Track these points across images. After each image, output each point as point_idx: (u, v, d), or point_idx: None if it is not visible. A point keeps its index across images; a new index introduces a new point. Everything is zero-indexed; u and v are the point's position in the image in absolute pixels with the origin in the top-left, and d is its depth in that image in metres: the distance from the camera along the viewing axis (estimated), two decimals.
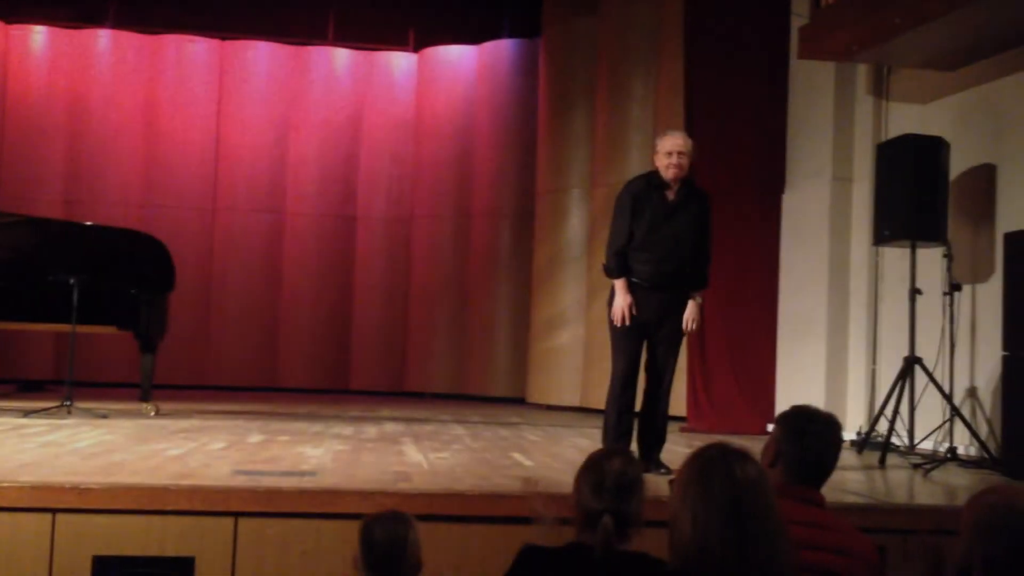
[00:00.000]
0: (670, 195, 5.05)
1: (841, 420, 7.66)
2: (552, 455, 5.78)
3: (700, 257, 5.15)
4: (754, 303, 7.94)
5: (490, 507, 3.87)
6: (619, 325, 5.00)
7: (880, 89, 7.42)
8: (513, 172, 11.90)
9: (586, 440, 6.70)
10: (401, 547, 2.53)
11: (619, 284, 5.04)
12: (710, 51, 8.22)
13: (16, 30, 12.21)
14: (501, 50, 12.28)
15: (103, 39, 12.43)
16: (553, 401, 10.45)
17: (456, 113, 12.46)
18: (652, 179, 5.10)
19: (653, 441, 5.08)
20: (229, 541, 3.70)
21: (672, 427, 8.06)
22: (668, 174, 5.03)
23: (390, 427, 7.35)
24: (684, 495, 1.90)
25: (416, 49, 12.92)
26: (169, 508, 3.70)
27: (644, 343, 5.09)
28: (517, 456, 5.55)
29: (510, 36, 12.24)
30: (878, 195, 6.52)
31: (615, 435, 5.00)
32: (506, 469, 4.86)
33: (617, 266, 5.06)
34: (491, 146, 12.12)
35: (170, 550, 3.66)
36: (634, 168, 9.68)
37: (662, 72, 9.35)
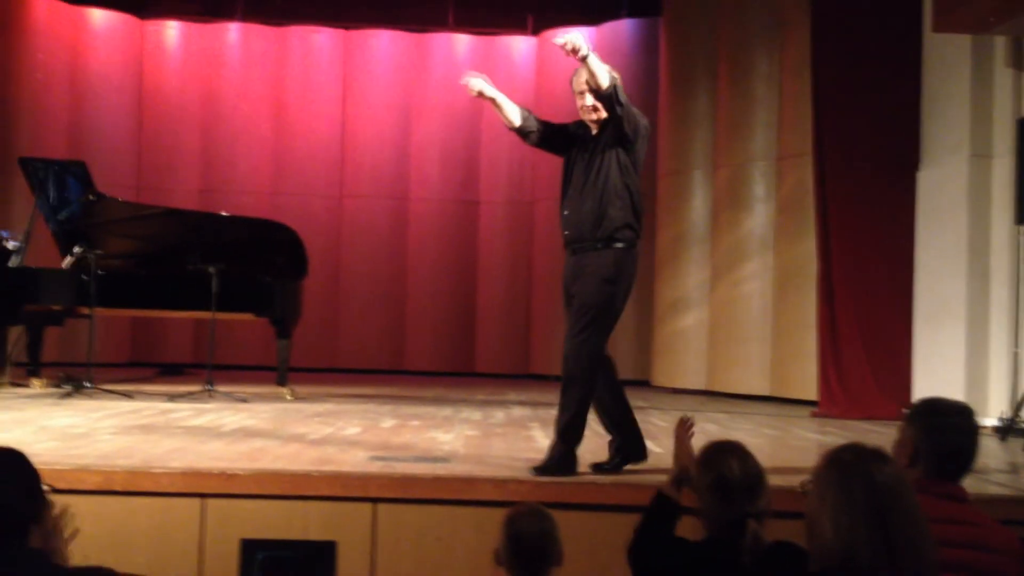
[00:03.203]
0: (591, 135, 4.46)
1: (983, 405, 7.42)
2: None
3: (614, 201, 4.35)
4: (888, 285, 7.70)
5: (622, 496, 3.88)
6: None
7: (1020, 62, 7.11)
8: None
9: (714, 426, 6.64)
10: (547, 542, 2.58)
11: None
12: (838, 24, 8.01)
13: (151, 26, 12.69)
14: (621, 30, 12.18)
15: (232, 32, 12.82)
16: (678, 384, 10.37)
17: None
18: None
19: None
20: (368, 526, 3.82)
21: (802, 411, 7.97)
22: (585, 119, 4.45)
23: (517, 411, 7.42)
24: (822, 500, 1.92)
25: (535, 32, 12.93)
26: (311, 493, 3.83)
27: None
28: (647, 443, 5.52)
29: (629, 15, 12.12)
30: (1020, 172, 6.27)
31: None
32: None
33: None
34: None
35: (313, 534, 3.79)
36: (759, 148, 9.52)
37: (787, 47, 9.13)
